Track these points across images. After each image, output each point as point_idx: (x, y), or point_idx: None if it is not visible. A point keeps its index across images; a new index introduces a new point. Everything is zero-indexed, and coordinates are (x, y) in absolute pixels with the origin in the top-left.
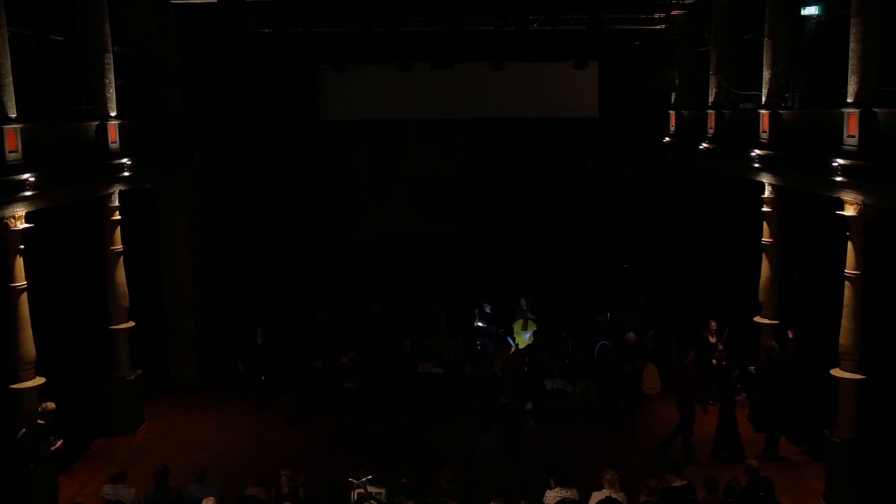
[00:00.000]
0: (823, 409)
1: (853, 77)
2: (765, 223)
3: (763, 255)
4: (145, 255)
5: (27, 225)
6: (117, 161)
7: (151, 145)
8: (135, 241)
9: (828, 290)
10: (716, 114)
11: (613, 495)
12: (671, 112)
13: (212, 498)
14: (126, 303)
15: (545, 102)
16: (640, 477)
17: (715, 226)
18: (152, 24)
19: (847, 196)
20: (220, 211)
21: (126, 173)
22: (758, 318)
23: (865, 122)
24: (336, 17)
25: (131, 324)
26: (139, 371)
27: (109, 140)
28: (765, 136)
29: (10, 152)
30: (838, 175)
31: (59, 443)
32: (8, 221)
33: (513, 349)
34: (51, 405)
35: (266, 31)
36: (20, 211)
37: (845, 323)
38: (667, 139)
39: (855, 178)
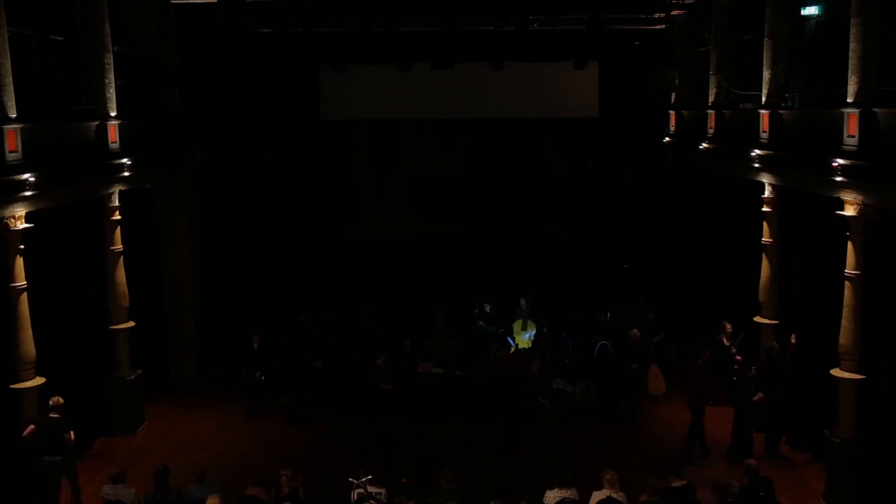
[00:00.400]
0: (823, 409)
1: (853, 77)
2: (765, 223)
3: (763, 255)
4: (145, 255)
5: (27, 225)
6: (117, 161)
7: (151, 145)
8: (135, 241)
9: (828, 290)
10: (716, 114)
11: (613, 495)
12: (671, 112)
13: (216, 496)
14: (126, 303)
15: (545, 102)
16: (641, 477)
17: (715, 226)
18: (152, 24)
19: (847, 196)
20: (220, 211)
21: (126, 173)
22: (758, 318)
23: (865, 122)
24: (336, 17)
25: (131, 324)
26: (139, 371)
27: (109, 140)
28: (765, 136)
29: (10, 152)
30: (838, 175)
31: (72, 434)
32: (8, 221)
33: (513, 349)
34: (60, 399)
35: (266, 31)
36: (20, 211)
37: (845, 323)
38: (667, 139)
39: (855, 178)
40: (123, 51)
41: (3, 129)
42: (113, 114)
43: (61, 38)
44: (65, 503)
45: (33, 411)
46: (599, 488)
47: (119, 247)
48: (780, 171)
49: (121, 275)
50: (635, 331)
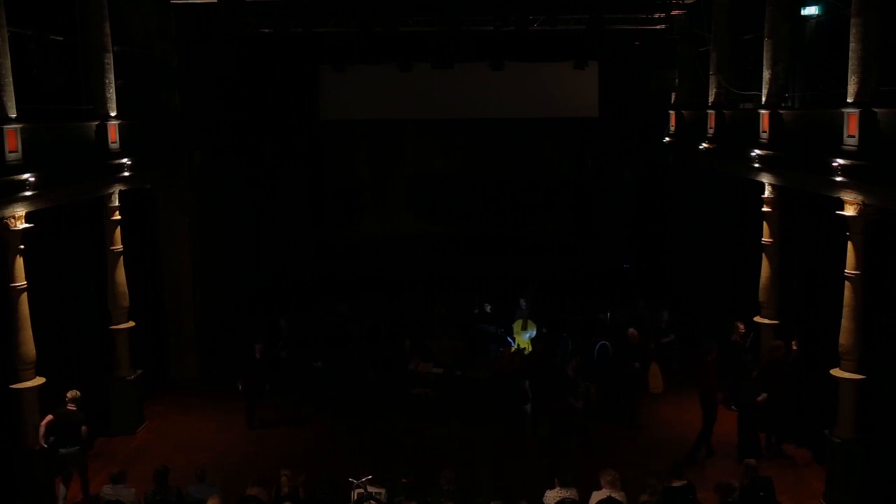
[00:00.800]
0: (823, 409)
1: (853, 77)
2: (765, 223)
3: (763, 255)
4: (145, 255)
5: (27, 225)
6: (117, 161)
7: (151, 145)
8: (135, 241)
9: (828, 290)
10: (716, 114)
11: (613, 495)
12: (671, 112)
13: (216, 497)
14: (126, 303)
15: (545, 102)
16: (641, 477)
17: (715, 226)
18: (152, 24)
19: (847, 196)
20: (220, 211)
21: (126, 173)
22: (758, 318)
23: (865, 122)
24: (336, 17)
25: (131, 324)
26: (139, 371)
27: (109, 140)
28: (765, 136)
29: (10, 152)
30: (838, 175)
31: (86, 428)
32: (8, 221)
33: (513, 349)
34: (77, 392)
35: (266, 31)
36: (20, 211)
37: (845, 323)
38: (667, 139)
39: (855, 178)
40: (123, 51)
41: (3, 129)
42: (113, 114)
43: (61, 38)
44: (74, 495)
45: (33, 411)
46: (600, 488)
47: (119, 247)
48: (780, 171)
49: (121, 275)
50: (633, 330)
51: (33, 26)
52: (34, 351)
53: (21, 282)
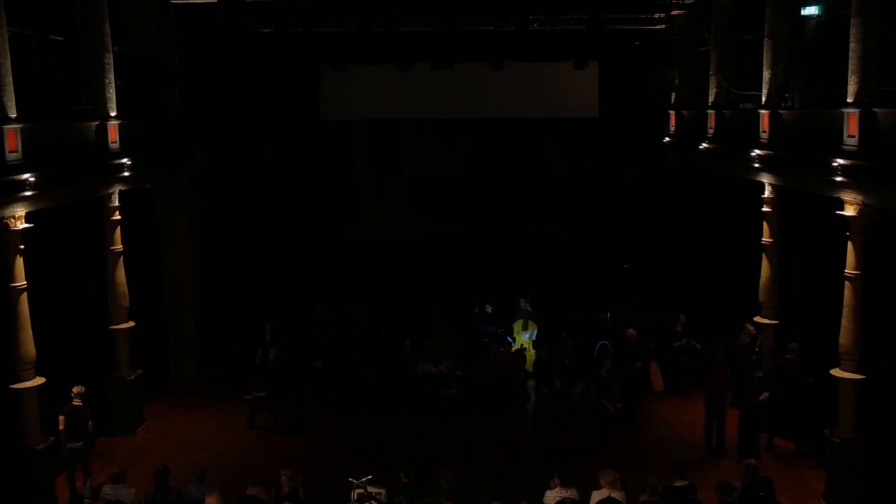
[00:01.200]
0: (823, 409)
1: (853, 77)
2: (765, 223)
3: (763, 255)
4: (145, 255)
5: (27, 225)
6: (117, 161)
7: (151, 145)
8: (135, 241)
9: (828, 290)
10: (716, 114)
11: (614, 495)
12: (671, 112)
13: (215, 494)
14: (126, 303)
15: (545, 102)
16: (641, 477)
17: (715, 226)
18: (152, 24)
19: (847, 196)
20: (220, 211)
21: (126, 173)
22: (758, 318)
23: (865, 122)
24: (336, 17)
25: (131, 324)
26: (139, 371)
27: (109, 140)
28: (765, 136)
29: (10, 152)
30: (838, 175)
31: (91, 423)
32: (8, 221)
33: (513, 349)
34: (82, 388)
35: (266, 31)
36: (20, 211)
37: (845, 323)
38: (667, 139)
39: (855, 178)
40: (123, 51)
41: (3, 129)
42: (113, 114)
43: (61, 38)
44: (80, 489)
45: (33, 411)
46: (599, 488)
47: (119, 247)
48: (780, 171)
49: (121, 275)
50: (632, 331)
51: (33, 26)
52: (34, 351)
53: (21, 282)
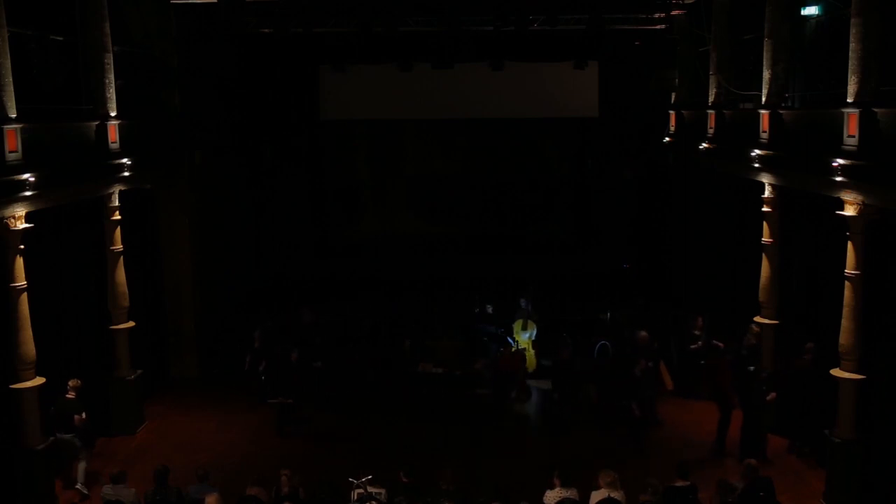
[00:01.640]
0: (823, 409)
1: (853, 77)
2: (765, 223)
3: (763, 255)
4: (145, 255)
5: (27, 225)
6: (117, 161)
7: (151, 145)
8: (135, 241)
9: (828, 290)
10: (716, 114)
11: (613, 495)
12: (671, 112)
13: (215, 494)
14: (126, 303)
15: (545, 102)
16: (641, 477)
17: (715, 226)
18: (152, 24)
19: (847, 196)
20: (220, 211)
21: (126, 173)
22: (758, 318)
23: (865, 122)
24: (336, 17)
25: (131, 324)
26: (139, 371)
27: (109, 140)
28: (765, 136)
29: (10, 152)
30: (838, 175)
31: (84, 415)
32: (8, 221)
33: (513, 349)
34: (78, 381)
35: (266, 31)
36: (20, 211)
37: (845, 323)
38: (667, 139)
39: (855, 178)
40: (123, 51)
41: (3, 129)
42: (113, 114)
43: (61, 38)
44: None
45: (33, 411)
46: (599, 489)
47: (119, 247)
48: (780, 171)
49: (121, 275)
50: (643, 332)
51: (33, 26)
52: (34, 351)
53: (21, 282)
